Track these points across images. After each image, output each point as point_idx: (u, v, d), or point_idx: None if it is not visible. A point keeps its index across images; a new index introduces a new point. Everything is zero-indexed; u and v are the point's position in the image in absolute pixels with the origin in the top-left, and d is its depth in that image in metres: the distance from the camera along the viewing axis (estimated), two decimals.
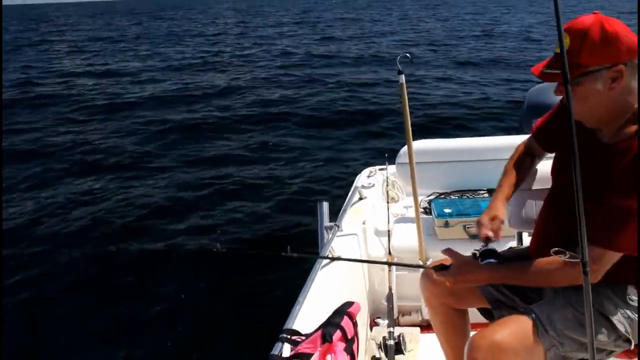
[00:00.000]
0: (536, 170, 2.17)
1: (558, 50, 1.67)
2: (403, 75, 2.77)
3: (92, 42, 31.18)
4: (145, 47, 26.93)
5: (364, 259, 2.96)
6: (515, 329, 1.65)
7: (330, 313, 1.95)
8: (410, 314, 3.06)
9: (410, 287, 3.01)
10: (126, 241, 5.60)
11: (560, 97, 1.83)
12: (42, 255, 5.21)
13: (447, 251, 1.85)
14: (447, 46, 22.96)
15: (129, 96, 14.06)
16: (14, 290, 4.52)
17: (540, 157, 2.16)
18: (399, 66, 2.76)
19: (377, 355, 2.65)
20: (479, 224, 1.99)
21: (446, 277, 1.78)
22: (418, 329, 2.90)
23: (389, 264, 2.89)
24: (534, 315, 1.68)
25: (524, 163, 2.14)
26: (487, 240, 1.92)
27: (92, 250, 5.25)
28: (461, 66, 17.69)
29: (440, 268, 1.81)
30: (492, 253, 1.82)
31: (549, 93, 4.10)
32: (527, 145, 2.16)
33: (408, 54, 2.86)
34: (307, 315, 2.05)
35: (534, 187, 2.19)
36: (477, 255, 1.83)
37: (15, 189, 7.07)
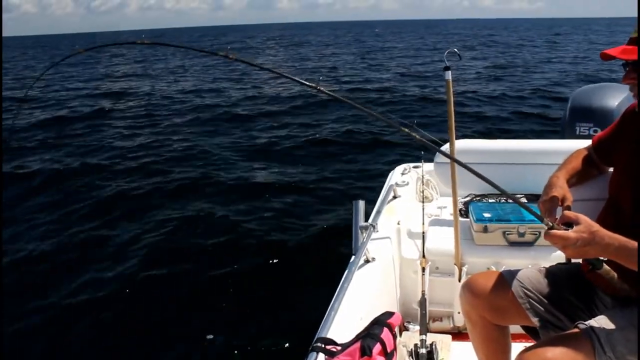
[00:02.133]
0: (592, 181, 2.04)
1: (634, 35, 1.57)
2: (450, 72, 2.64)
3: None
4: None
5: (397, 261, 2.86)
6: (570, 348, 1.53)
7: (365, 320, 1.86)
8: (441, 320, 2.95)
9: (442, 292, 2.90)
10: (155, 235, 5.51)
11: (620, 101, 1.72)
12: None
13: (570, 214, 1.54)
14: None
15: None
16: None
17: (597, 169, 2.03)
18: (446, 62, 2.64)
19: None
20: (550, 202, 1.81)
21: (568, 236, 1.48)
22: (449, 336, 2.80)
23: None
24: (592, 334, 1.56)
25: (584, 165, 2.02)
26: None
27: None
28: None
29: (565, 225, 1.52)
30: None
31: (593, 96, 3.96)
32: (587, 152, 2.04)
33: (456, 49, 2.73)
34: (342, 322, 1.95)
35: (588, 199, 2.05)
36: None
37: None
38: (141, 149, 9.31)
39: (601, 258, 1.55)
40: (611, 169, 1.99)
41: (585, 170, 2.02)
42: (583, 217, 1.50)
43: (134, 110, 13.87)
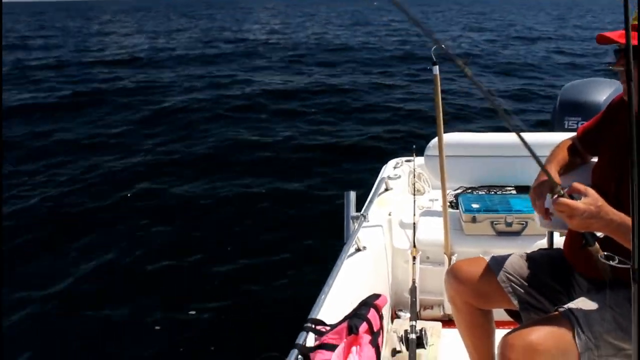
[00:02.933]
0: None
1: (635, 22, 1.62)
2: (437, 67, 2.72)
3: None
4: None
5: (388, 250, 2.93)
6: (551, 330, 1.60)
7: (354, 304, 1.94)
8: (432, 308, 3.03)
9: (433, 281, 2.98)
10: (144, 225, 5.60)
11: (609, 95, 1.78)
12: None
13: (579, 185, 1.55)
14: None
15: None
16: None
17: (580, 158, 2.11)
18: (433, 57, 2.72)
19: (398, 348, 2.63)
20: (540, 186, 1.84)
21: (577, 206, 1.49)
22: (440, 323, 2.88)
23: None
24: (572, 315, 1.63)
25: (570, 155, 2.09)
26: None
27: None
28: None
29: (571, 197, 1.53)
30: None
31: (583, 90, 4.06)
32: (572, 142, 2.11)
33: (443, 45, 2.80)
34: (332, 305, 2.03)
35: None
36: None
37: None
38: None
39: (598, 234, 1.58)
40: (594, 159, 2.05)
41: (571, 161, 2.08)
42: (591, 191, 1.52)
43: None
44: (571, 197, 1.51)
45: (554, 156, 2.08)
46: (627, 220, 1.46)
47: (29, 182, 6.90)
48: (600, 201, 1.51)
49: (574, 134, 2.20)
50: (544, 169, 1.52)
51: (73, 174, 7.17)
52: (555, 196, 1.53)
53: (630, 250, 1.34)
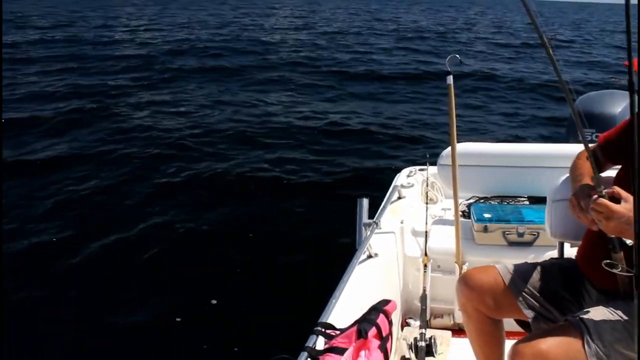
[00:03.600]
0: None
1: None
2: (451, 76, 2.75)
3: None
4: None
5: (400, 258, 2.95)
6: (561, 338, 1.61)
7: (364, 309, 1.96)
8: (442, 317, 3.03)
9: (444, 290, 2.99)
10: (151, 225, 5.64)
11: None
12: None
13: (620, 190, 1.60)
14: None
15: None
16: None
17: (603, 166, 2.10)
18: (448, 67, 2.74)
19: (407, 356, 2.64)
20: (587, 188, 1.80)
21: (617, 209, 1.54)
22: (449, 332, 2.88)
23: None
24: (582, 324, 1.63)
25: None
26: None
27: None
28: None
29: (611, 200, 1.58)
30: None
31: (599, 102, 4.04)
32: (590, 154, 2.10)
33: (457, 55, 2.84)
34: (342, 310, 2.05)
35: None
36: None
37: None
38: None
39: (628, 242, 1.59)
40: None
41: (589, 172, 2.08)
42: (632, 198, 1.51)
43: None
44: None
45: (582, 169, 2.01)
46: None
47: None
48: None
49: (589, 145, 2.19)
50: (594, 169, 1.59)
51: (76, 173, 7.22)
52: (596, 196, 1.57)
53: None
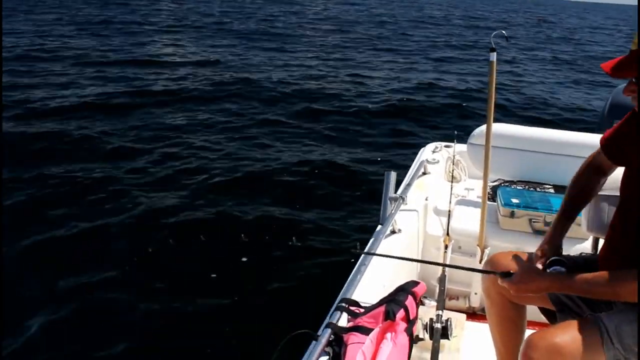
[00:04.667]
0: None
1: (634, 47, 1.56)
2: (495, 53, 2.63)
3: None
4: None
5: (421, 235, 2.89)
6: (578, 335, 1.56)
7: (387, 286, 1.90)
8: (457, 299, 2.99)
9: (462, 272, 2.93)
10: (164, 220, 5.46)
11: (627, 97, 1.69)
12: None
13: (514, 257, 1.78)
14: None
15: None
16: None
17: (607, 170, 2.01)
18: (492, 43, 2.62)
19: (421, 336, 2.59)
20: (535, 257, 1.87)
21: (509, 284, 1.73)
22: (464, 315, 2.84)
23: (443, 265, 2.83)
24: (601, 324, 1.58)
25: (589, 182, 2.00)
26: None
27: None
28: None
29: (504, 275, 1.76)
30: (559, 262, 1.76)
31: None
32: (593, 158, 2.01)
33: (504, 32, 2.71)
34: (366, 286, 2.00)
35: (612, 193, 2.04)
36: (545, 262, 1.79)
37: None
38: None
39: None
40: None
41: (594, 181, 1.99)
42: (520, 264, 1.73)
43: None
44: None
45: (564, 203, 2.01)
46: (562, 282, 1.66)
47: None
48: (528, 274, 1.69)
49: None
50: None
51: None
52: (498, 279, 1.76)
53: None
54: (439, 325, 2.43)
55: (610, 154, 1.93)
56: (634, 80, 1.58)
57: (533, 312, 2.05)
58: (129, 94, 10.50)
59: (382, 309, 1.66)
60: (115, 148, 7.44)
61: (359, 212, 4.86)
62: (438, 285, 2.67)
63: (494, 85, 2.65)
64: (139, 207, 5.54)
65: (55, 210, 5.44)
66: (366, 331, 1.60)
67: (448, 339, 2.45)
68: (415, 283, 1.83)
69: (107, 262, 4.50)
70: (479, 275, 2.11)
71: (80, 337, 3.66)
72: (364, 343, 1.55)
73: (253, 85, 11.35)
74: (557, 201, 2.91)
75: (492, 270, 1.97)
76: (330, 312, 1.75)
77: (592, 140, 3.17)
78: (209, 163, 6.84)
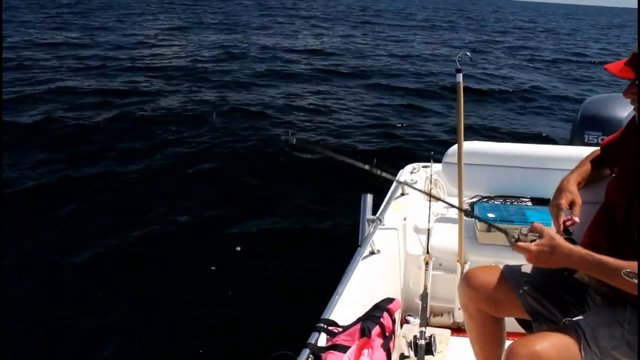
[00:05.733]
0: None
1: (637, 51, 1.64)
2: (461, 74, 2.72)
3: None
4: None
5: (402, 255, 2.94)
6: (557, 341, 1.61)
7: (367, 306, 1.95)
8: (442, 315, 3.02)
9: (444, 288, 2.98)
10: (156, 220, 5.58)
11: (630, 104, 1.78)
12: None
13: (537, 225, 1.70)
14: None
15: None
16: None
17: (610, 171, 2.10)
18: (458, 64, 2.71)
19: (406, 354, 2.63)
20: (557, 207, 1.90)
21: (529, 248, 1.66)
22: (449, 331, 2.88)
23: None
24: (578, 328, 1.63)
25: (595, 167, 2.09)
26: (567, 229, 1.86)
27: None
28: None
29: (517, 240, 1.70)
30: (571, 240, 1.73)
31: (605, 105, 4.03)
32: (599, 154, 2.12)
33: (468, 53, 2.81)
34: (345, 307, 2.04)
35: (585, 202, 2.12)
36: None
37: None
38: None
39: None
40: None
41: (597, 172, 2.08)
42: (547, 231, 1.66)
43: None
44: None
45: (577, 167, 2.08)
46: (586, 255, 1.59)
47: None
48: (556, 240, 1.64)
49: (593, 148, 2.19)
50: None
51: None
52: (513, 240, 1.70)
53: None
54: (422, 342, 2.47)
55: (606, 157, 2.06)
56: (636, 82, 1.67)
57: (511, 323, 2.10)
58: None
59: (357, 326, 1.71)
60: None
61: (339, 234, 4.94)
62: (421, 303, 2.72)
63: (462, 105, 2.74)
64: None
65: (54, 208, 5.62)
66: (343, 349, 1.64)
67: (433, 354, 2.49)
68: (390, 300, 1.88)
69: (91, 265, 4.64)
70: None
71: (76, 337, 3.76)
72: None
73: None
74: (533, 213, 2.98)
75: (469, 284, 2.02)
76: (311, 334, 1.80)
77: (565, 152, 3.26)
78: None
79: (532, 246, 1.65)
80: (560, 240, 1.64)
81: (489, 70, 17.05)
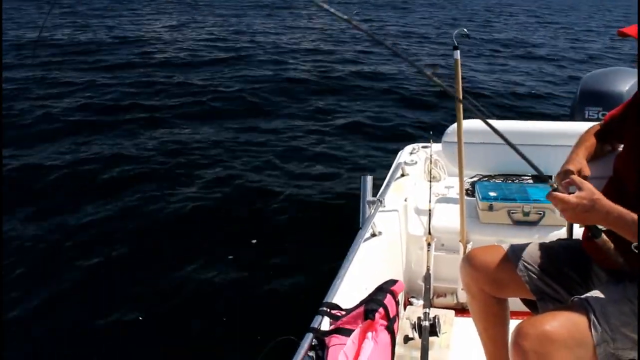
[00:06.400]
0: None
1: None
2: (458, 51, 2.67)
3: None
4: None
5: (403, 236, 2.92)
6: (566, 320, 1.57)
7: (369, 289, 1.92)
8: (445, 296, 3.01)
9: (447, 269, 2.96)
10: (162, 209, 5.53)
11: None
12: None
13: (576, 178, 1.62)
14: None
15: None
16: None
17: (610, 145, 2.09)
18: (455, 41, 2.67)
19: (410, 335, 2.62)
20: (565, 173, 1.85)
21: (568, 200, 1.55)
22: (452, 311, 2.86)
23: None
24: (588, 306, 1.60)
25: (598, 142, 2.07)
26: None
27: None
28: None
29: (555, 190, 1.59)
30: None
31: (605, 80, 3.98)
32: (600, 129, 2.09)
33: (465, 29, 2.77)
34: (347, 290, 2.02)
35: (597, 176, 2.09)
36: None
37: None
38: None
39: (601, 228, 1.61)
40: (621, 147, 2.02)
41: (599, 147, 2.07)
42: (587, 184, 1.56)
43: None
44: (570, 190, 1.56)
45: (582, 142, 2.06)
46: (627, 214, 1.52)
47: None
48: (597, 194, 1.55)
49: (593, 123, 2.16)
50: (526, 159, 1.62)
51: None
52: (550, 190, 1.59)
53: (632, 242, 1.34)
54: (426, 323, 2.45)
55: (609, 132, 2.04)
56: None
57: (515, 302, 2.08)
58: None
59: (361, 309, 1.69)
60: None
61: (340, 217, 4.87)
62: (424, 284, 2.70)
63: (460, 82, 2.69)
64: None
65: (54, 206, 5.58)
66: (347, 332, 1.62)
67: (437, 335, 2.47)
68: (393, 282, 1.86)
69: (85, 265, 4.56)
70: None
71: (76, 337, 3.70)
72: (345, 344, 1.57)
73: None
74: (535, 191, 2.96)
75: (471, 264, 2.00)
76: (314, 318, 1.77)
77: (566, 128, 3.22)
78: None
79: (572, 197, 1.54)
80: (600, 195, 1.55)
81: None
